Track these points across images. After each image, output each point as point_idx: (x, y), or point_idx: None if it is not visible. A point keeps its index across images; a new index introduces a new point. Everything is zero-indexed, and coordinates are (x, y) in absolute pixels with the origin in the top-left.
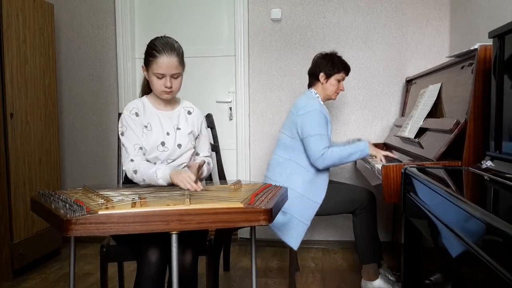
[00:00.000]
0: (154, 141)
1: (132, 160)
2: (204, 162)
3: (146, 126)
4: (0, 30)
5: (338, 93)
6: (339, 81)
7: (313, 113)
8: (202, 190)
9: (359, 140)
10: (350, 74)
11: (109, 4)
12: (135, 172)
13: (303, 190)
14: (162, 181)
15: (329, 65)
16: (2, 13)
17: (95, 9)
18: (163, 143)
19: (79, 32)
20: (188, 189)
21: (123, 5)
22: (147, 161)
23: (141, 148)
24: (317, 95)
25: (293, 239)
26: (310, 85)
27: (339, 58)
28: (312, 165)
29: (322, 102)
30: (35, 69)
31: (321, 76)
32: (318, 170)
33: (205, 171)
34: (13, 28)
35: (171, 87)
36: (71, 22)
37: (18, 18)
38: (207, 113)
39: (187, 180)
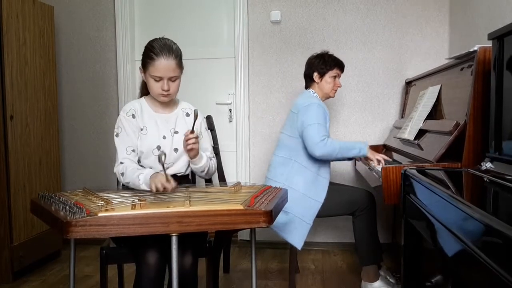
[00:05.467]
0: (150, 145)
1: (121, 163)
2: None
3: (142, 129)
4: (0, 32)
5: (335, 90)
6: (334, 77)
7: (313, 106)
8: (175, 189)
9: None
10: (349, 75)
11: (109, 6)
12: (122, 174)
13: (305, 189)
14: (144, 186)
15: (321, 64)
16: (2, 15)
17: (95, 11)
18: (158, 147)
19: (79, 34)
20: (158, 191)
21: (123, 7)
22: (141, 166)
23: (133, 150)
24: (315, 94)
25: (297, 239)
26: (307, 87)
27: (330, 55)
28: (311, 157)
29: (321, 100)
30: (35, 71)
31: (315, 76)
32: (319, 169)
33: (204, 159)
34: (13, 30)
35: (168, 90)
36: (71, 24)
37: (18, 20)
38: (207, 115)
39: (160, 181)
